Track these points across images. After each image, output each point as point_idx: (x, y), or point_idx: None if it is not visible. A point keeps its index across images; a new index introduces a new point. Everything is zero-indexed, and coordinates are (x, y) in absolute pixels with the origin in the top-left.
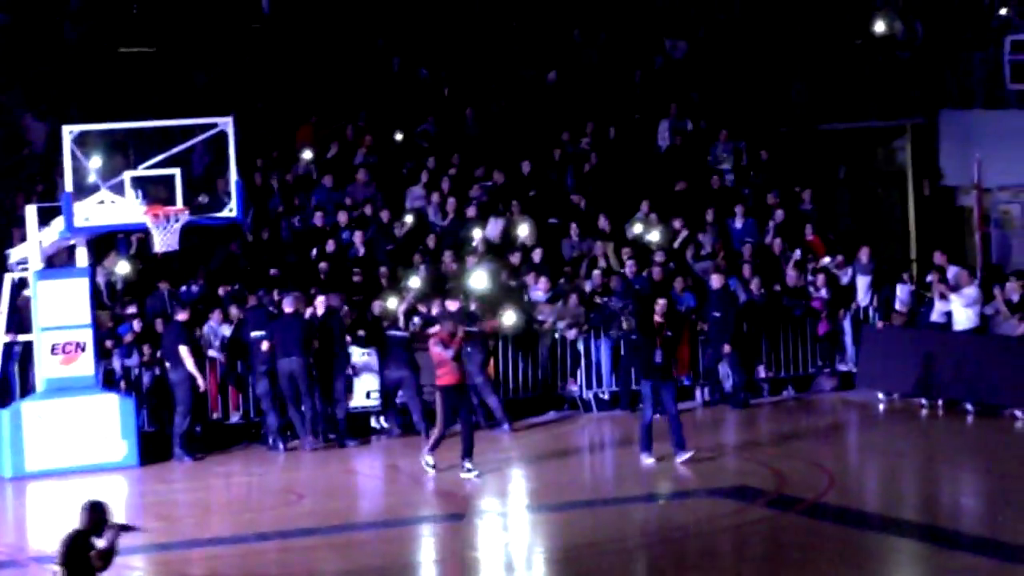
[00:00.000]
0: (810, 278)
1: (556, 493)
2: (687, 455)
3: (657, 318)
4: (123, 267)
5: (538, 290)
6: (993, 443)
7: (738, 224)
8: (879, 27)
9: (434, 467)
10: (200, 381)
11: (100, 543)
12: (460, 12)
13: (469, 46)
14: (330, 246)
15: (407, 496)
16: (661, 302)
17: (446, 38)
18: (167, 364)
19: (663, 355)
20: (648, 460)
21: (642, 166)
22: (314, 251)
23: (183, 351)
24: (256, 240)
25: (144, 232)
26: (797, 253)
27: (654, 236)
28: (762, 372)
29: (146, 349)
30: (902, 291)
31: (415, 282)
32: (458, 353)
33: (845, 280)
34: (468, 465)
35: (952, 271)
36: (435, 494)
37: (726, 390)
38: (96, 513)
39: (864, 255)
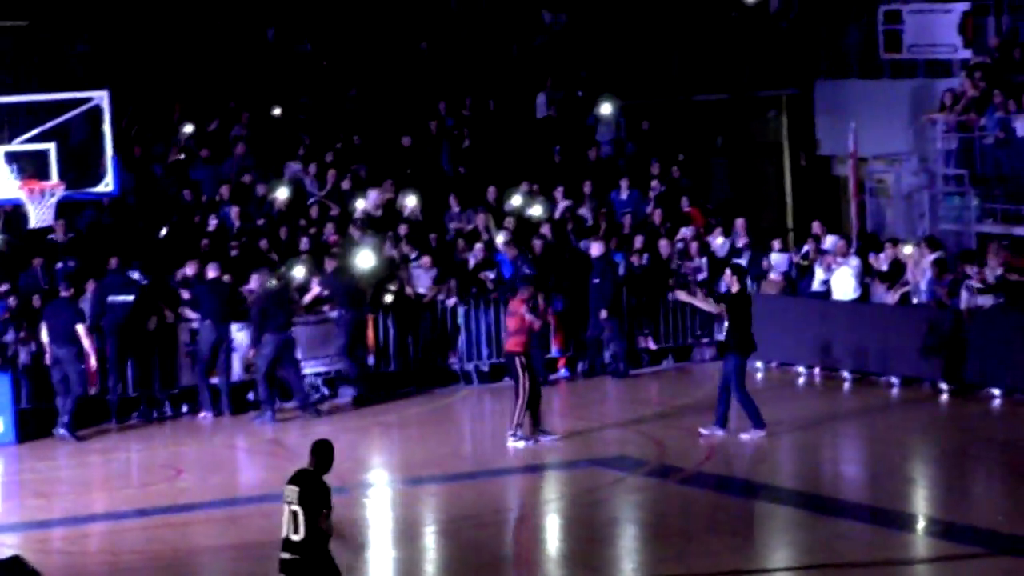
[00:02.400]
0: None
1: (437, 465)
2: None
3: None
4: None
5: (420, 265)
6: (869, 410)
7: (623, 196)
8: None
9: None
10: (93, 359)
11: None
12: None
13: (346, 17)
14: (212, 222)
15: (288, 470)
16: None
17: (321, 9)
18: (52, 343)
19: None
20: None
21: (521, 138)
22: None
23: (81, 329)
24: (135, 212)
25: (17, 207)
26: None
27: (535, 210)
28: (646, 343)
29: (23, 326)
30: (778, 259)
31: (299, 271)
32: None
33: (723, 251)
34: (521, 431)
35: (830, 240)
36: None
37: (606, 360)
38: (325, 453)
39: (741, 225)
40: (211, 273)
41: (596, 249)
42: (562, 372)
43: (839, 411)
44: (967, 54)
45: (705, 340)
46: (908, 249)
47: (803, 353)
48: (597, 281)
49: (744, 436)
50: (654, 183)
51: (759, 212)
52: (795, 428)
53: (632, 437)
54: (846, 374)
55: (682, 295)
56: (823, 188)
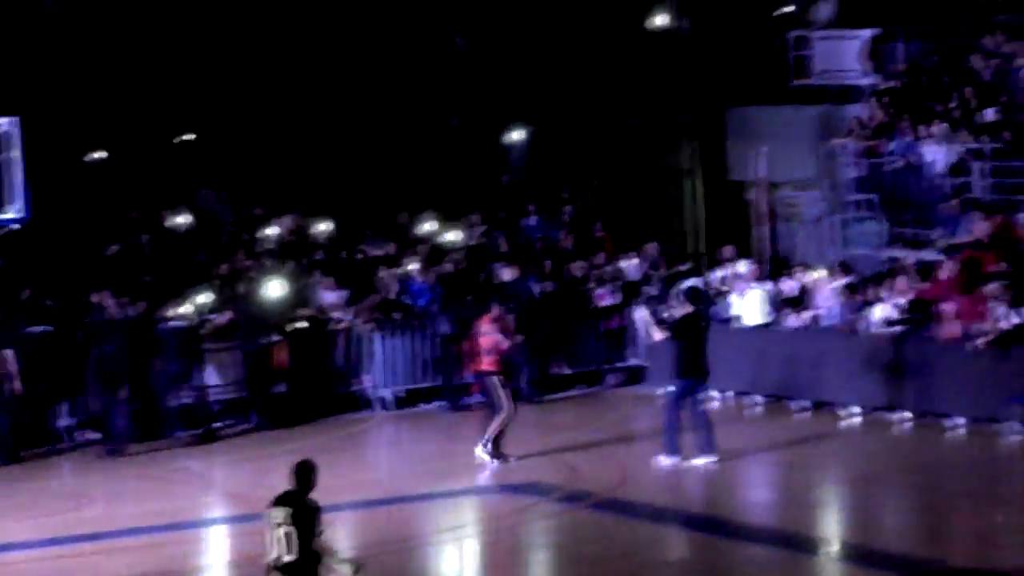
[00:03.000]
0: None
1: (349, 492)
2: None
3: None
4: None
5: (330, 291)
6: (777, 435)
7: (531, 221)
8: (661, 22)
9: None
10: (18, 383)
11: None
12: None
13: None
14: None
15: (199, 498)
16: None
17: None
18: None
19: None
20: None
21: (435, 165)
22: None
23: (9, 355)
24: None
25: None
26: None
27: (449, 235)
28: (558, 368)
29: None
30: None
31: (203, 298)
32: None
33: (636, 276)
34: (490, 447)
35: (742, 265)
36: (227, 495)
37: (519, 385)
38: (309, 473)
39: (654, 250)
40: (111, 302)
41: (508, 274)
42: (475, 397)
43: (750, 436)
44: (874, 79)
45: (617, 365)
46: (818, 274)
47: (714, 377)
48: (510, 306)
49: (662, 459)
50: (566, 208)
51: (671, 238)
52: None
53: (544, 463)
54: (758, 399)
55: (643, 314)
56: (735, 213)
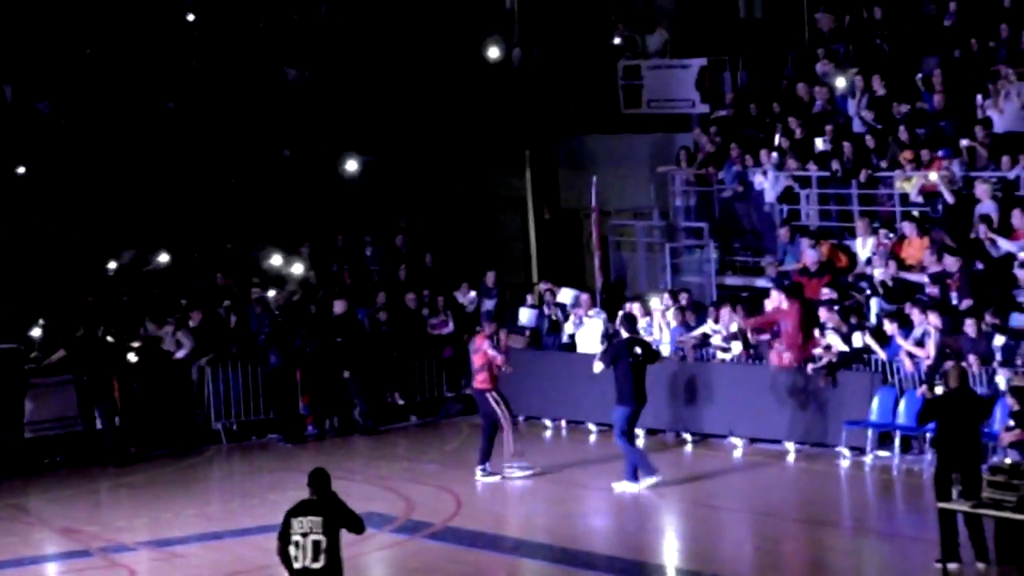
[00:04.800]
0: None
1: (185, 526)
2: None
3: None
4: None
5: (169, 322)
6: (615, 462)
7: (367, 252)
8: (494, 53)
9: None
10: None
11: None
12: (79, 42)
13: (86, 77)
14: None
15: (29, 535)
16: None
17: (62, 68)
18: None
19: None
20: None
21: (269, 196)
22: None
23: None
24: None
25: None
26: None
27: (293, 267)
28: (393, 398)
29: None
30: (526, 314)
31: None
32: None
33: (471, 306)
34: (489, 468)
35: (563, 295)
36: (58, 532)
37: (354, 417)
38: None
39: (490, 279)
40: None
41: (339, 307)
42: (310, 429)
43: (587, 463)
44: (705, 108)
45: (452, 394)
46: (652, 302)
47: (549, 406)
48: (340, 340)
49: (617, 485)
50: (399, 238)
51: (506, 267)
52: (545, 481)
53: (380, 493)
54: (592, 427)
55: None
56: (568, 242)
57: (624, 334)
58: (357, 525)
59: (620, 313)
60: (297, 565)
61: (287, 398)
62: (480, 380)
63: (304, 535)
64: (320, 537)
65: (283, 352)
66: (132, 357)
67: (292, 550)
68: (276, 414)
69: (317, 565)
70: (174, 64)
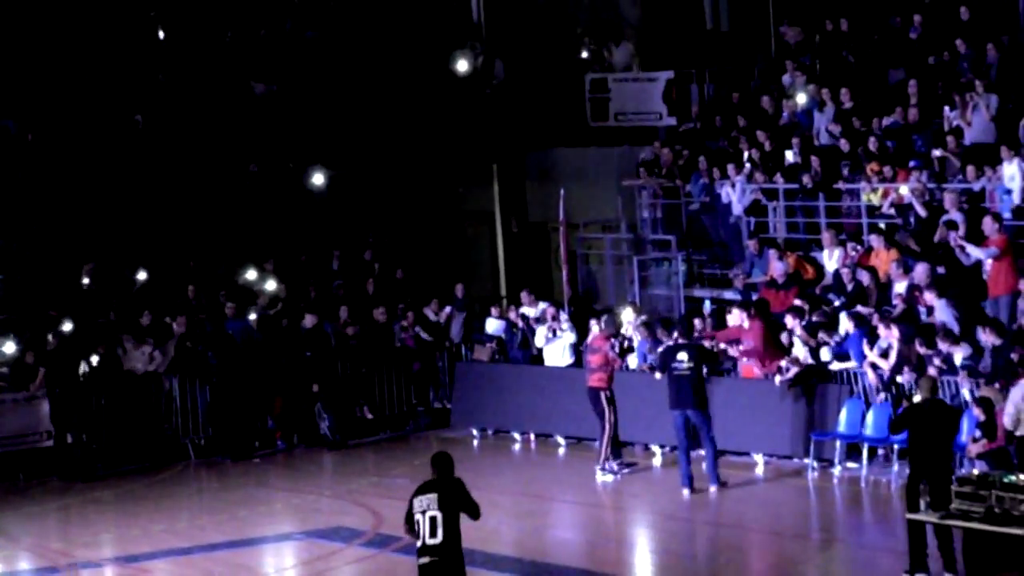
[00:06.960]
0: (404, 323)
1: (153, 541)
2: None
3: None
4: None
5: (129, 337)
6: (585, 476)
7: (335, 266)
8: (462, 66)
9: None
10: None
11: None
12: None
13: (53, 91)
14: None
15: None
16: None
17: (28, 84)
18: None
19: None
20: None
21: (236, 211)
22: None
23: None
24: None
25: None
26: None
27: (267, 285)
28: (362, 412)
29: None
30: (493, 324)
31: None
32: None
33: (441, 319)
34: (614, 466)
35: (528, 309)
36: (26, 549)
37: (322, 431)
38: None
39: (459, 292)
40: None
41: (308, 321)
42: (279, 444)
43: (555, 477)
44: (672, 121)
45: (421, 408)
46: (624, 315)
47: (517, 420)
48: (309, 355)
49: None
50: (368, 252)
51: (474, 280)
52: (514, 494)
53: (349, 508)
54: (560, 440)
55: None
56: (536, 255)
57: (669, 341)
58: (474, 510)
59: (678, 317)
60: (418, 543)
61: (234, 415)
62: (596, 379)
63: (423, 512)
64: (436, 513)
65: (238, 369)
66: (84, 368)
67: (417, 526)
68: (216, 432)
69: (435, 541)
70: (141, 79)
